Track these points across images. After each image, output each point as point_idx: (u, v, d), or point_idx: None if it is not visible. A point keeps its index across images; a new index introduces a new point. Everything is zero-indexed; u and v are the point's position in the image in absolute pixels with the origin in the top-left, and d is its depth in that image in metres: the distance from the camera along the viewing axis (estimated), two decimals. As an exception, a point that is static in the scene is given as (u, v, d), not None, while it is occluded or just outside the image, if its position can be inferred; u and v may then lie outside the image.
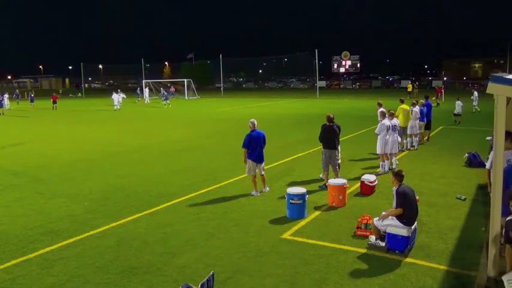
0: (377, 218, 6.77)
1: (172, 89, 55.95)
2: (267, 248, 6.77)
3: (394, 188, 6.69)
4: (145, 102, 47.49)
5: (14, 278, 5.86)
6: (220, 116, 29.67)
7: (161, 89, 50.45)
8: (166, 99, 41.00)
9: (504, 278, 4.68)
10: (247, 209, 8.77)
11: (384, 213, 6.74)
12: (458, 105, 22.65)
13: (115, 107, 36.87)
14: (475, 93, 29.05)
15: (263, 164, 9.85)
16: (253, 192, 9.71)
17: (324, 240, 6.99)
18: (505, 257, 5.05)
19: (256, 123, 9.84)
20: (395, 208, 6.53)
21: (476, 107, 28.43)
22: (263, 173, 9.87)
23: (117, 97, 37.56)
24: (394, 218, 6.49)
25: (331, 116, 10.24)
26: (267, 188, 9.97)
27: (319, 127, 10.40)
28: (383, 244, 6.62)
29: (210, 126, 23.48)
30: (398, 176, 6.71)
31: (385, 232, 6.64)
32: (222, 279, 5.70)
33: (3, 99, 35.40)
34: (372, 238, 6.81)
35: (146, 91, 49.71)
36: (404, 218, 6.44)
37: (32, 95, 41.92)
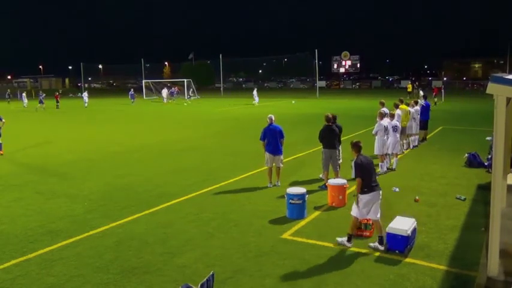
0: (354, 207, 6.84)
1: (176, 88, 55.98)
2: (267, 248, 6.77)
3: (353, 160, 7.02)
4: (164, 102, 46.81)
5: (14, 278, 5.86)
6: (220, 116, 29.68)
7: (131, 89, 50.85)
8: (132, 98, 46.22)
9: None
10: (247, 209, 8.77)
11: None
12: (422, 94, 27.72)
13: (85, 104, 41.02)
14: (421, 92, 32.17)
15: (281, 157, 10.32)
16: (268, 185, 10.28)
17: (323, 240, 6.99)
18: (505, 256, 5.05)
19: (273, 118, 10.36)
20: (354, 178, 6.82)
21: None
22: (280, 165, 10.36)
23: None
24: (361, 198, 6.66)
25: (330, 116, 10.28)
26: (279, 183, 10.31)
27: (319, 127, 10.43)
28: (382, 248, 6.57)
29: (210, 126, 23.49)
30: (356, 146, 6.96)
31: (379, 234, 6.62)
32: (222, 279, 5.70)
33: (22, 97, 39.79)
34: (374, 244, 6.72)
35: (164, 91, 48.61)
36: (364, 187, 6.65)
37: (42, 96, 43.94)
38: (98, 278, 5.83)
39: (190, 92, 46.08)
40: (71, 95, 71.14)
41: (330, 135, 10.14)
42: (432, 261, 6.18)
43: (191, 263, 6.23)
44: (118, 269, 6.08)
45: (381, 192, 6.84)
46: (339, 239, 6.86)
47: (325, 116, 10.35)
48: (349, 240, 6.77)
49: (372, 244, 6.72)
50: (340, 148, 10.60)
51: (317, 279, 5.73)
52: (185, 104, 43.83)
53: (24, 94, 42.79)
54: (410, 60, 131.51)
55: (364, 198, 6.65)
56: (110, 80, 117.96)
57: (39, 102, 40.52)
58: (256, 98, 42.06)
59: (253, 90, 44.44)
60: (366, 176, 6.67)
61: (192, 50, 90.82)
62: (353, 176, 6.79)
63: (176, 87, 56.24)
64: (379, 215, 6.75)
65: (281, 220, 8.02)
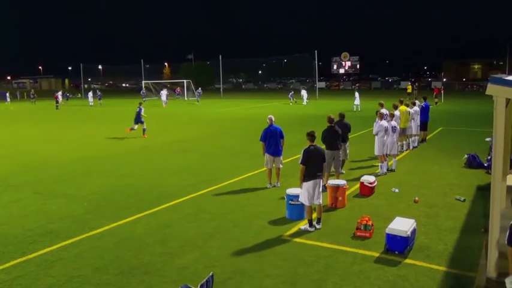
0: (301, 195, 7.48)
1: (178, 90, 55.98)
2: (266, 248, 6.77)
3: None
4: (164, 105, 41.32)
5: (13, 279, 5.85)
6: (220, 117, 29.69)
7: (143, 89, 51.71)
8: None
9: (507, 280, 4.68)
10: (246, 209, 8.77)
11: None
12: (357, 96, 32.34)
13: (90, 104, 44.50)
14: (356, 93, 33.92)
15: (280, 158, 10.41)
16: (268, 185, 10.33)
17: (323, 241, 7.00)
18: (505, 258, 5.05)
19: (273, 119, 10.41)
20: (299, 163, 7.38)
21: (358, 105, 32.64)
22: (280, 166, 10.43)
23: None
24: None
25: (332, 117, 10.27)
26: (279, 184, 10.36)
27: (319, 128, 10.40)
28: (312, 230, 7.34)
29: (209, 127, 23.50)
30: (309, 136, 7.56)
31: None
32: (222, 279, 5.70)
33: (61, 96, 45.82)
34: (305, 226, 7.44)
35: (164, 93, 44.12)
36: (306, 175, 7.35)
37: (100, 94, 49.33)
38: (97, 279, 5.82)
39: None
40: (70, 95, 71.02)
41: (332, 137, 10.13)
42: (432, 262, 6.18)
43: (191, 264, 6.23)
44: (117, 270, 6.08)
45: (322, 181, 7.62)
46: (302, 227, 7.49)
47: (327, 117, 10.33)
48: (310, 225, 7.42)
49: (302, 227, 7.46)
50: (347, 145, 11.21)
51: (316, 279, 5.73)
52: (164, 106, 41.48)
53: (60, 93, 47.84)
54: (410, 61, 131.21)
55: (305, 185, 7.39)
56: (110, 80, 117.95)
57: (98, 99, 45.77)
58: (305, 96, 42.48)
59: (302, 90, 45.58)
60: (310, 165, 7.38)
61: (192, 50, 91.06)
62: (299, 162, 7.44)
63: (178, 88, 56.31)
64: (321, 200, 7.57)
65: (281, 221, 8.02)
